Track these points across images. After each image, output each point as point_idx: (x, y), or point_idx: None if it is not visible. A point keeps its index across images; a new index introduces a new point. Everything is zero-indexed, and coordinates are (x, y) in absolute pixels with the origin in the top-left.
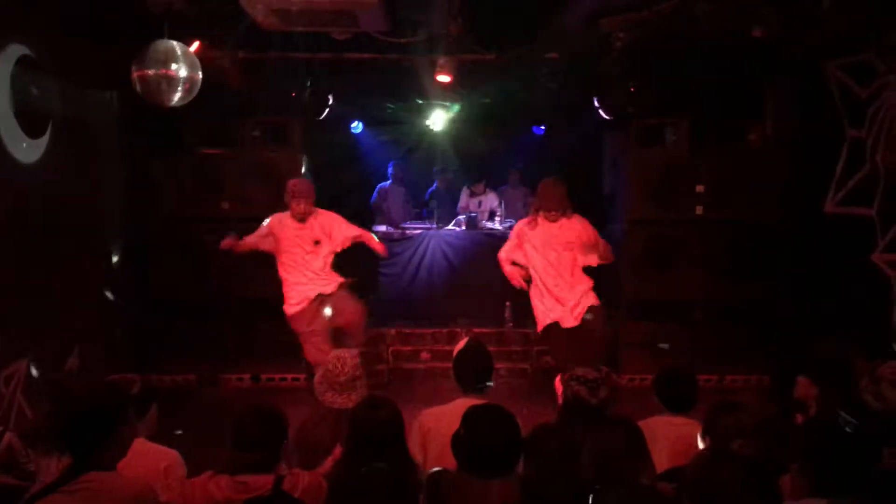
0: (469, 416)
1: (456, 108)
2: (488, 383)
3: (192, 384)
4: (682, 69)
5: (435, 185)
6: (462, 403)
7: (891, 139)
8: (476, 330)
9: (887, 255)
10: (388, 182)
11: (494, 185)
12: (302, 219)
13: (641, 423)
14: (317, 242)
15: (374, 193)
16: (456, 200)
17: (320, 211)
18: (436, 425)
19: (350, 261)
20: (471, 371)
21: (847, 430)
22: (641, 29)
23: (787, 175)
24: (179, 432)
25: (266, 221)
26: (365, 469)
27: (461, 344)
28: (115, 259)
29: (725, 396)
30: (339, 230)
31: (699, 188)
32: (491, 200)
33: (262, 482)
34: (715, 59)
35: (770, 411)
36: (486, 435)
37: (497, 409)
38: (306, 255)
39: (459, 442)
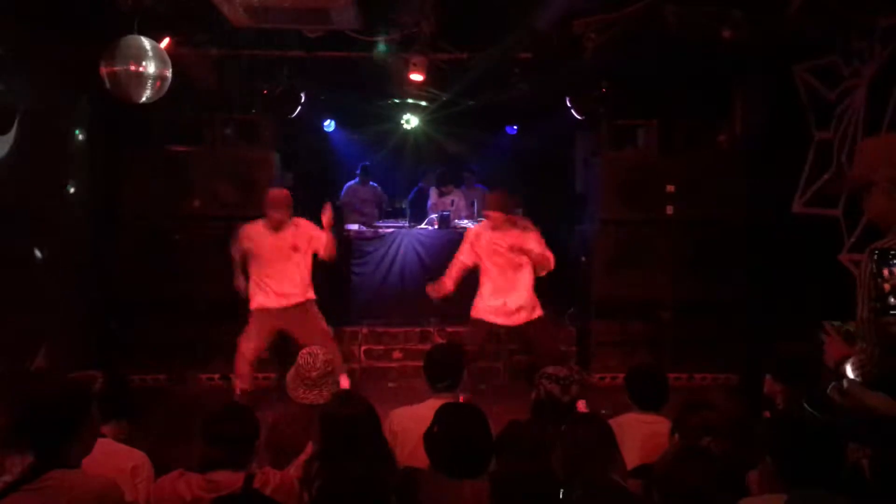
0: (443, 414)
1: (421, 101)
2: (457, 384)
3: (162, 384)
4: (652, 70)
5: (419, 186)
6: (433, 403)
7: (853, 145)
8: (449, 329)
9: (853, 255)
10: (356, 181)
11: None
12: (277, 228)
13: (612, 421)
14: (296, 249)
15: (343, 192)
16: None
17: (299, 220)
18: (406, 426)
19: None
20: (441, 370)
21: (812, 424)
22: (613, 30)
23: (756, 175)
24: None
25: (237, 236)
26: (339, 467)
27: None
28: (83, 258)
29: (695, 394)
30: (316, 237)
31: (669, 188)
32: (461, 198)
33: (232, 480)
34: (685, 61)
35: (738, 408)
36: (460, 434)
37: (471, 408)
38: (286, 262)
39: (432, 440)
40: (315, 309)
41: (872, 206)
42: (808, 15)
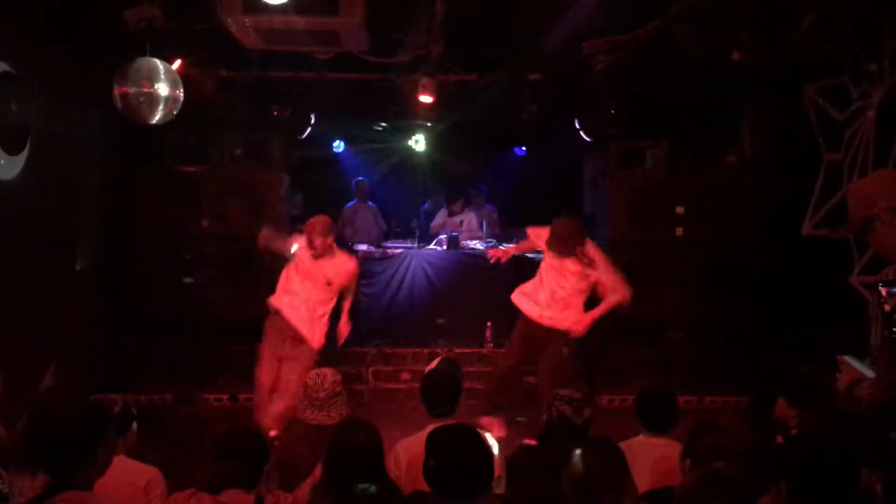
0: (432, 439)
1: (430, 122)
2: (455, 409)
3: (168, 403)
4: (661, 91)
5: (426, 206)
6: (432, 428)
7: (864, 168)
8: (457, 350)
9: (864, 277)
10: (353, 201)
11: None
12: (316, 256)
13: (622, 444)
14: (329, 283)
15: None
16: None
17: (340, 255)
18: (412, 455)
19: None
20: (436, 394)
21: (827, 449)
22: (622, 51)
23: (766, 196)
24: None
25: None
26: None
27: (433, 364)
28: (92, 277)
29: (705, 418)
30: (348, 281)
31: (679, 209)
32: (471, 219)
33: (243, 501)
34: (694, 82)
35: (749, 432)
36: (452, 457)
37: (462, 428)
38: (313, 289)
39: (430, 473)
40: (307, 362)
41: (879, 240)
42: (818, 36)
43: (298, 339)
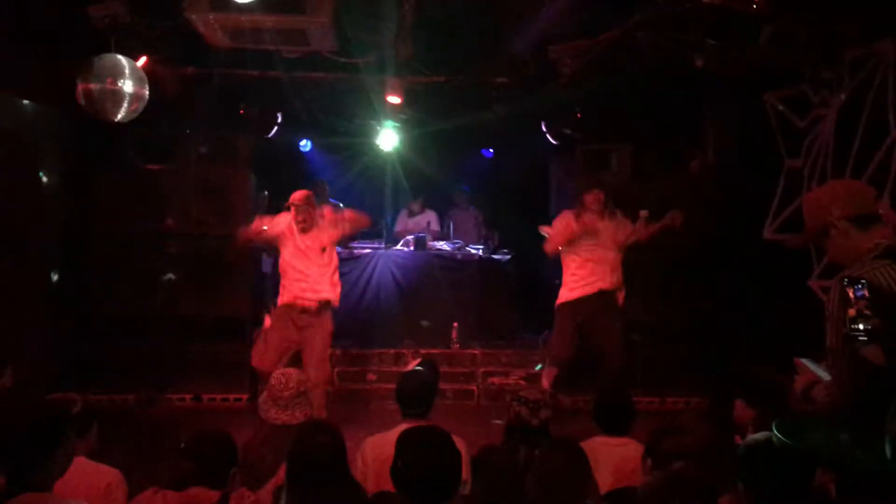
0: (402, 440)
1: (397, 123)
2: (428, 411)
3: (130, 403)
4: (626, 96)
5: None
6: (403, 429)
7: (824, 174)
8: (423, 351)
9: (822, 280)
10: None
11: (443, 207)
12: (304, 229)
13: (583, 444)
14: (323, 250)
15: None
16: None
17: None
18: (378, 454)
19: None
20: (413, 394)
21: (782, 450)
22: (588, 57)
23: (728, 201)
24: None
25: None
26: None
27: (411, 366)
28: (53, 275)
29: (666, 418)
30: (335, 226)
31: (643, 213)
32: (430, 218)
33: (208, 497)
34: (658, 87)
35: (710, 433)
36: (421, 460)
37: (432, 430)
38: (309, 260)
39: (398, 474)
40: (326, 318)
41: (834, 248)
42: (779, 45)
43: (310, 310)
